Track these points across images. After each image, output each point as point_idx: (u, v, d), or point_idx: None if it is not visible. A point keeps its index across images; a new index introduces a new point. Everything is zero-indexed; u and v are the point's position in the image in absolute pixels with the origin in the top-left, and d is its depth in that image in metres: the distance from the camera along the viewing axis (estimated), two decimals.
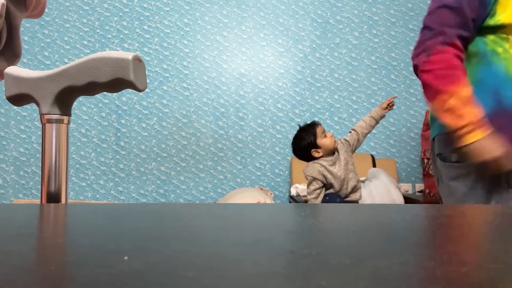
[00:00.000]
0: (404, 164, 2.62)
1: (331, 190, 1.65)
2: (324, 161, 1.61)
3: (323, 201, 1.61)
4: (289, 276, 0.14)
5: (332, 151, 1.64)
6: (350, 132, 1.73)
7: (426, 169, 2.41)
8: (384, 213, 0.32)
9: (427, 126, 2.42)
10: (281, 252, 0.18)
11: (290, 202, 2.41)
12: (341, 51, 2.63)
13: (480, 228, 0.26)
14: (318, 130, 1.63)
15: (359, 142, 1.71)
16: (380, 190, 1.90)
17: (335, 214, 0.32)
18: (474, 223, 0.28)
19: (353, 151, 1.71)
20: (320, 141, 1.62)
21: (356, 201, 1.67)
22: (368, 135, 2.56)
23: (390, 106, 1.74)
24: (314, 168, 1.61)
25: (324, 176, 1.60)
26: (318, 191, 1.61)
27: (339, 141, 1.69)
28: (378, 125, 2.56)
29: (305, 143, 1.63)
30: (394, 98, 1.78)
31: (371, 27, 2.64)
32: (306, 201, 1.89)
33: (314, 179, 1.61)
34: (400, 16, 2.66)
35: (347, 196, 1.65)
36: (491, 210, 0.35)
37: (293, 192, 2.26)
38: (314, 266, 0.16)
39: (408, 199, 2.20)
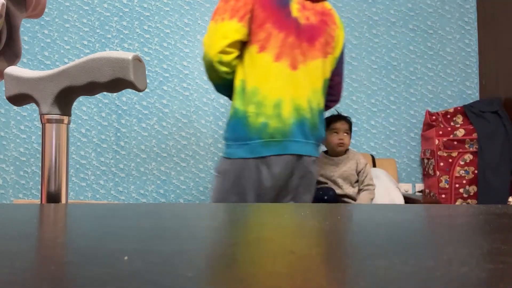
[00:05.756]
0: (404, 164, 2.61)
1: (325, 185, 1.62)
2: (325, 158, 1.58)
3: (316, 193, 1.59)
4: (289, 276, 0.14)
5: (335, 152, 1.60)
6: (368, 186, 1.70)
7: (426, 169, 2.41)
8: (384, 213, 0.32)
9: (427, 126, 2.42)
10: (281, 252, 0.18)
11: None
12: None
13: (480, 228, 0.26)
14: (335, 125, 1.58)
15: (356, 183, 1.70)
16: (380, 190, 1.90)
17: (335, 214, 0.32)
18: (474, 223, 0.28)
19: (356, 181, 1.69)
20: (327, 133, 1.57)
21: (350, 195, 1.65)
22: (368, 134, 2.57)
23: None
24: None
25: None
26: None
27: (357, 160, 1.65)
28: (378, 125, 2.58)
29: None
30: None
31: (371, 27, 2.64)
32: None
33: None
34: (400, 16, 2.66)
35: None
36: (491, 210, 0.35)
37: None
38: (314, 266, 0.16)
39: (408, 199, 2.20)
